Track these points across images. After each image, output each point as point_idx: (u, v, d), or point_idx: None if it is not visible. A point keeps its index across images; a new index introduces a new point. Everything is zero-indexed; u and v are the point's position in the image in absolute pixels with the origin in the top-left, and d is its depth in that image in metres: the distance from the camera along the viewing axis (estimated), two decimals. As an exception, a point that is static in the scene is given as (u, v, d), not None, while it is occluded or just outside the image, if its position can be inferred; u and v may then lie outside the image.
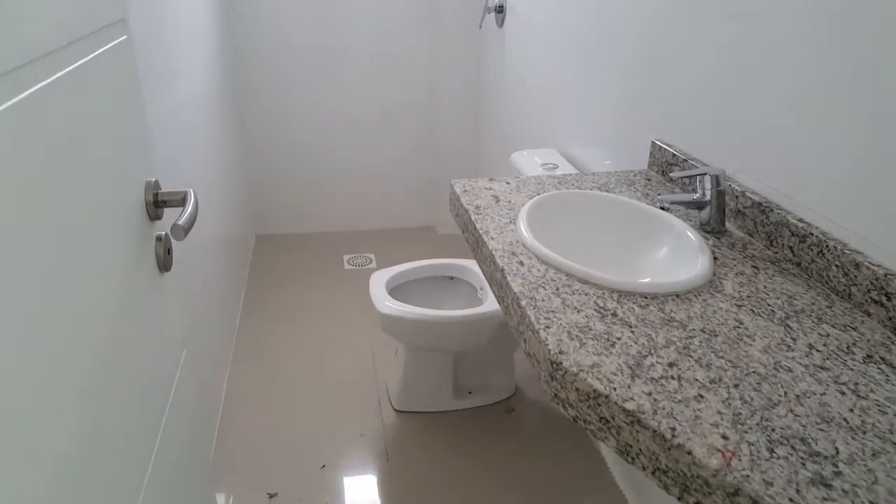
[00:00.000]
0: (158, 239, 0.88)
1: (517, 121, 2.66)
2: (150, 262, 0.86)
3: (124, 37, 0.80)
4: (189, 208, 0.84)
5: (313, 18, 3.00)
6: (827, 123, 1.03)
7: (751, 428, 0.70)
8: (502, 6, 2.72)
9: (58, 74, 0.60)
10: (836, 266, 0.99)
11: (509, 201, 1.38)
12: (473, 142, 3.30)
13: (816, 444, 0.68)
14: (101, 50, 0.72)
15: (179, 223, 0.80)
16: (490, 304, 1.98)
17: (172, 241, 0.89)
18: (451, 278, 2.23)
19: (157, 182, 0.88)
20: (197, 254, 1.88)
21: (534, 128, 2.46)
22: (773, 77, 1.15)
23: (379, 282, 2.06)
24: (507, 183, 1.49)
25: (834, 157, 1.02)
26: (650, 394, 0.75)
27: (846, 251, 0.97)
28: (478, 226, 1.25)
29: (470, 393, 2.13)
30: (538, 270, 1.07)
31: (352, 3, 3.00)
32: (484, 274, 1.23)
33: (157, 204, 0.87)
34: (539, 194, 1.39)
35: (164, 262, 0.89)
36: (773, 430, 0.70)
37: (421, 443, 1.97)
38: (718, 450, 0.66)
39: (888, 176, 0.91)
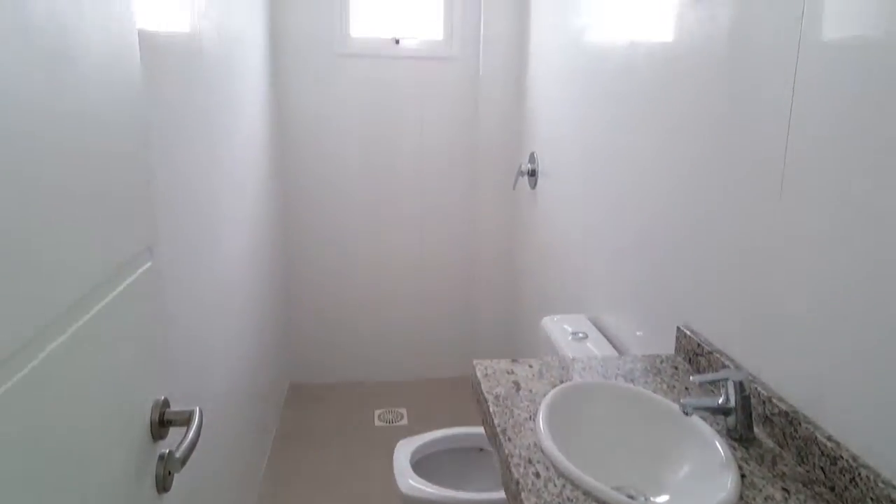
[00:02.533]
0: (160, 458, 0.88)
1: (550, 280, 2.69)
2: (149, 483, 0.85)
3: (149, 264, 0.85)
4: (191, 434, 0.85)
5: (361, 172, 3.20)
6: (855, 333, 1.00)
7: None
8: (535, 170, 2.83)
9: (83, 320, 0.63)
10: (872, 499, 0.92)
11: (531, 390, 1.35)
12: (508, 295, 3.33)
13: None
14: (125, 284, 0.76)
15: (178, 455, 0.80)
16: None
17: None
18: (481, 450, 2.16)
19: (165, 400, 0.89)
20: (219, 414, 1.88)
21: (565, 289, 2.47)
22: (799, 280, 1.14)
23: (404, 454, 2.01)
24: (530, 366, 1.47)
25: (859, 370, 0.98)
26: None
27: (880, 483, 0.91)
28: (495, 421, 1.23)
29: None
30: (555, 486, 1.03)
31: (397, 159, 3.20)
32: (501, 477, 1.19)
33: (162, 423, 0.88)
34: (562, 382, 1.37)
35: (164, 483, 0.89)
36: None
37: None
38: None
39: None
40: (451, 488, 1.86)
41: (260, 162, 2.62)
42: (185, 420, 0.89)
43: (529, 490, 1.02)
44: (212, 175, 1.85)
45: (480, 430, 2.16)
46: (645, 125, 1.73)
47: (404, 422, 3.04)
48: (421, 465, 2.05)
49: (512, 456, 1.11)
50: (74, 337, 0.62)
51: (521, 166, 2.91)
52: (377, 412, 3.12)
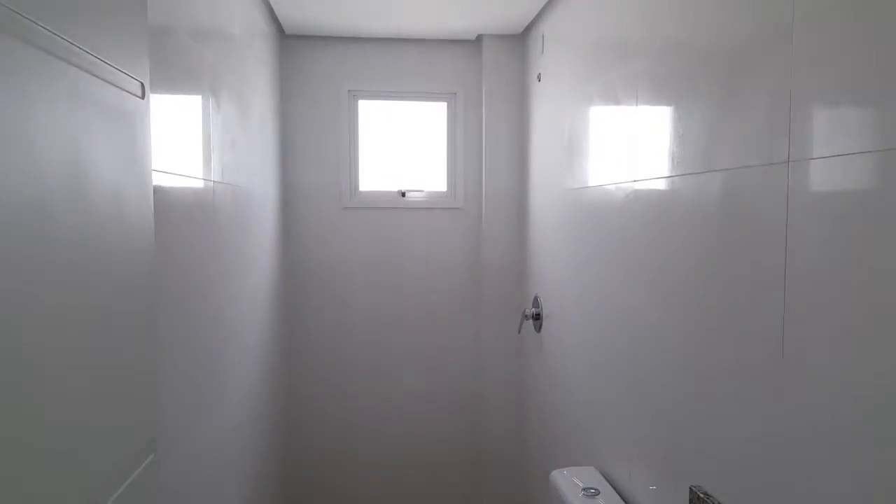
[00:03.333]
0: None
1: (558, 427, 2.64)
2: None
3: (152, 456, 0.86)
4: None
5: (368, 319, 3.25)
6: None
7: None
8: (539, 314, 2.87)
9: None
10: None
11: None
12: (517, 442, 3.27)
13: None
14: (129, 481, 0.77)
15: None
16: None
17: None
18: None
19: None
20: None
21: (574, 438, 2.42)
22: (806, 443, 1.13)
23: None
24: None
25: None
26: None
27: None
28: None
29: None
30: None
31: (403, 304, 3.27)
32: None
33: None
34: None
35: None
36: None
37: None
38: None
39: None
40: None
41: (266, 317, 2.67)
42: None
43: None
44: (217, 333, 1.89)
45: None
46: (641, 276, 1.78)
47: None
48: None
49: None
50: None
51: (525, 311, 2.95)
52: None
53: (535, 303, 2.91)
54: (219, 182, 1.88)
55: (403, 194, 3.26)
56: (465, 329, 3.30)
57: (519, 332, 3.08)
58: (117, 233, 0.75)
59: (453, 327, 3.30)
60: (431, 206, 3.28)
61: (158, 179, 1.27)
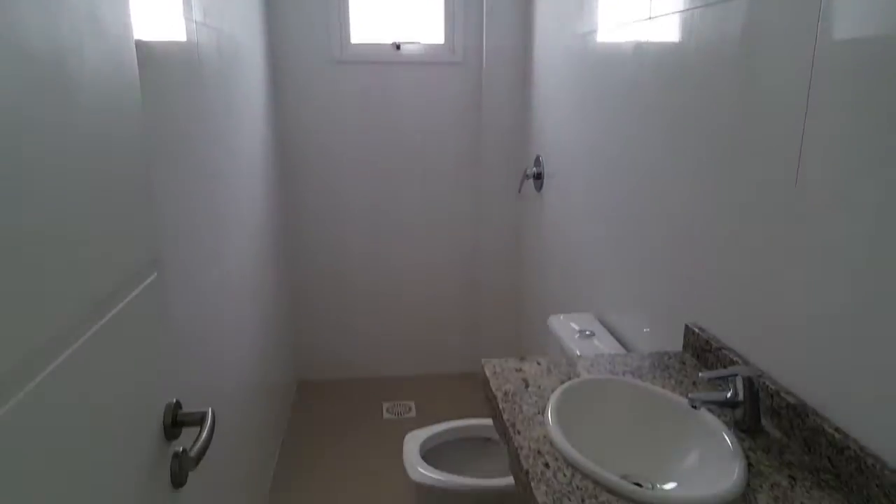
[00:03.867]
0: (175, 456, 0.91)
1: (555, 280, 2.71)
2: (164, 480, 0.88)
3: (154, 275, 0.87)
4: (204, 434, 0.87)
5: (364, 175, 3.21)
6: (867, 329, 1.02)
7: None
8: (540, 174, 2.85)
9: (91, 332, 0.66)
10: (877, 486, 0.94)
11: (539, 386, 1.38)
12: (514, 295, 3.36)
13: None
14: (131, 296, 0.79)
15: (191, 455, 0.83)
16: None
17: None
18: (488, 440, 2.19)
19: (177, 402, 0.92)
20: (227, 410, 1.90)
21: (571, 289, 2.49)
22: (812, 275, 1.16)
23: (413, 444, 2.04)
24: (538, 364, 1.49)
25: (868, 365, 1.00)
26: None
27: (886, 471, 0.93)
28: (505, 416, 1.25)
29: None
30: (564, 475, 1.05)
31: (401, 161, 3.22)
32: (510, 469, 1.21)
33: (175, 424, 0.90)
34: (570, 379, 1.39)
35: (179, 478, 0.91)
36: None
37: None
38: None
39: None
40: (459, 475, 1.89)
41: (261, 168, 2.64)
42: (198, 421, 0.92)
43: (539, 480, 1.04)
44: (214, 181, 1.87)
45: (487, 421, 2.19)
46: (653, 121, 1.75)
47: (412, 414, 3.07)
48: (430, 454, 2.08)
49: (521, 448, 1.14)
50: (84, 349, 0.65)
51: (526, 170, 2.93)
52: (385, 405, 3.16)
53: (537, 162, 2.89)
54: (202, 24, 1.79)
55: (398, 47, 3.10)
56: (464, 190, 3.29)
57: (519, 192, 3.08)
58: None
59: (452, 188, 3.28)
60: (428, 62, 3.15)
61: (140, 32, 1.22)
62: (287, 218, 3.17)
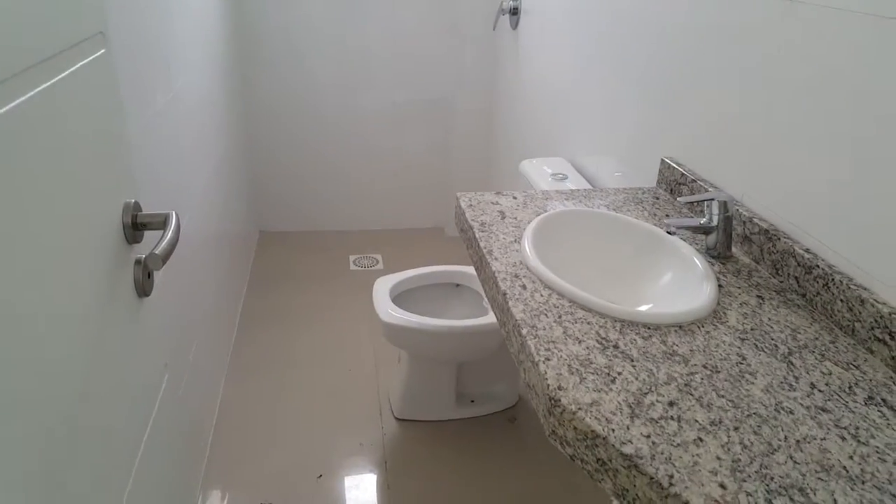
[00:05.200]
0: (137, 263, 0.87)
1: (528, 125, 2.65)
2: (128, 287, 0.84)
3: (102, 50, 0.79)
4: (169, 234, 0.83)
5: (327, 15, 2.99)
6: (833, 158, 1.01)
7: (749, 476, 0.69)
8: (517, 8, 2.71)
9: (30, 94, 0.59)
10: (842, 301, 0.98)
11: (515, 218, 1.37)
12: (485, 144, 3.30)
13: (815, 494, 0.67)
14: (77, 66, 0.71)
15: (157, 252, 0.79)
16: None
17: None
18: (457, 286, 2.22)
19: (136, 203, 0.86)
20: (191, 260, 1.87)
21: (544, 134, 2.45)
22: (786, 110, 1.13)
23: (383, 288, 2.06)
24: (514, 198, 1.48)
25: (840, 191, 1.00)
26: (649, 436, 0.75)
27: (851, 286, 0.96)
28: (482, 244, 1.25)
29: (472, 402, 2.13)
30: (541, 296, 1.06)
31: (367, 4, 2.99)
32: (486, 295, 1.23)
33: (136, 226, 0.85)
34: (546, 211, 1.38)
35: (144, 286, 0.88)
36: (771, 478, 0.69)
37: (421, 452, 1.97)
38: (716, 500, 0.66)
39: (889, 212, 0.90)
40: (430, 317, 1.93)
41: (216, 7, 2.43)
42: (161, 223, 0.86)
43: (517, 299, 1.05)
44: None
45: (457, 267, 2.21)
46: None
47: (380, 266, 3.10)
48: (400, 299, 2.11)
49: (499, 272, 1.14)
50: (23, 110, 0.58)
51: (501, 3, 2.77)
52: (352, 258, 3.17)
53: (512, -5, 2.73)
54: None
55: None
56: (435, 28, 3.11)
57: (494, 28, 2.94)
58: None
59: (422, 25, 3.09)
60: None
61: None
62: (244, 56, 2.98)
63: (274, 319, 2.63)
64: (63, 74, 0.67)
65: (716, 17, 1.33)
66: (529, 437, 2.05)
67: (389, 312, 1.93)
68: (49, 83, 0.63)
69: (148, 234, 0.89)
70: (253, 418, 2.09)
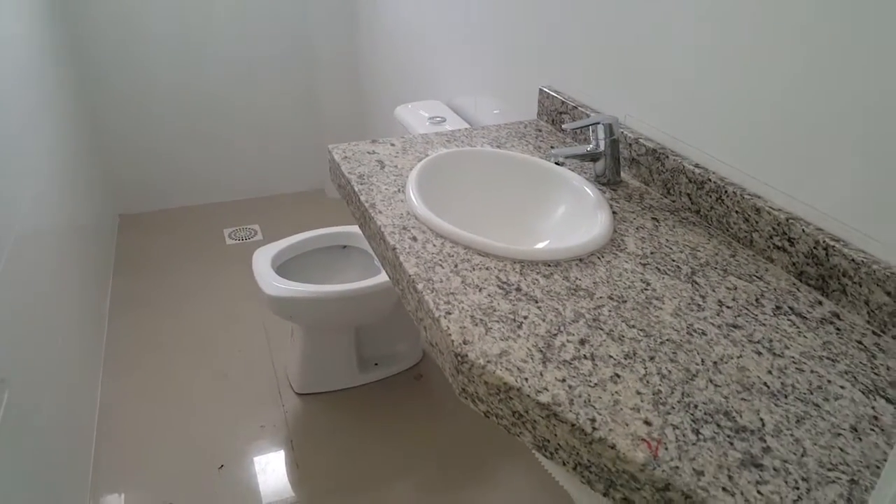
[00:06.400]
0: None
1: (398, 71, 2.53)
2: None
3: None
4: None
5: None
6: (712, 63, 0.98)
7: (673, 408, 0.65)
8: (370, -51, 2.54)
9: None
10: (737, 212, 0.96)
11: (396, 166, 1.27)
12: (356, 96, 3.13)
13: (741, 416, 0.63)
14: None
15: None
16: (387, 272, 1.88)
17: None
18: (344, 247, 2.10)
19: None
20: (37, 256, 1.64)
21: (416, 78, 2.34)
22: (658, 19, 1.09)
23: (264, 259, 1.90)
24: (392, 144, 1.37)
25: (722, 97, 0.98)
26: (564, 380, 0.69)
27: (745, 196, 0.94)
28: (362, 198, 1.14)
29: (376, 364, 2.04)
30: (433, 246, 0.98)
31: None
32: (375, 252, 1.13)
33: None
34: (427, 156, 1.29)
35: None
36: (695, 406, 0.65)
37: (328, 425, 1.87)
38: (643, 439, 0.61)
39: (777, 117, 0.88)
40: (318, 285, 1.81)
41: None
42: None
43: (408, 252, 0.96)
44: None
45: (342, 228, 2.09)
46: None
47: (259, 237, 2.90)
48: (284, 268, 1.96)
49: (385, 227, 1.04)
50: None
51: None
52: (227, 231, 2.95)
53: (365, -63, 2.56)
54: None
55: None
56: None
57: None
58: None
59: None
60: None
61: None
62: (70, 20, 2.64)
63: (148, 306, 2.40)
64: None
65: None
66: (437, 391, 2.00)
67: (274, 285, 1.79)
68: None
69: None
70: (139, 414, 1.90)
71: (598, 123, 1.13)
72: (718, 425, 0.62)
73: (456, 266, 0.92)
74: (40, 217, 1.70)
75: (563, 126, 1.18)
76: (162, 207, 3.13)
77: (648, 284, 0.86)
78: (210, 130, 3.05)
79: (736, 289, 0.85)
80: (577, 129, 1.21)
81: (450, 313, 0.80)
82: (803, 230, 0.85)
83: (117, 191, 3.01)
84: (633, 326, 0.78)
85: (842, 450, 0.60)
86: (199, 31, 2.83)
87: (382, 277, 1.85)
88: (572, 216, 1.10)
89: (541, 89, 1.47)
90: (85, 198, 2.37)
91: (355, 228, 2.08)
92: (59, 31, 2.42)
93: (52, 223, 1.82)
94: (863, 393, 0.67)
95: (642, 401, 0.66)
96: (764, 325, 0.77)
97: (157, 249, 2.79)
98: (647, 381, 0.68)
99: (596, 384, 0.68)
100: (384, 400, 1.96)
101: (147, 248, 2.81)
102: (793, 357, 0.72)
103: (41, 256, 1.63)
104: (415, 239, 1.00)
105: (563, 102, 1.38)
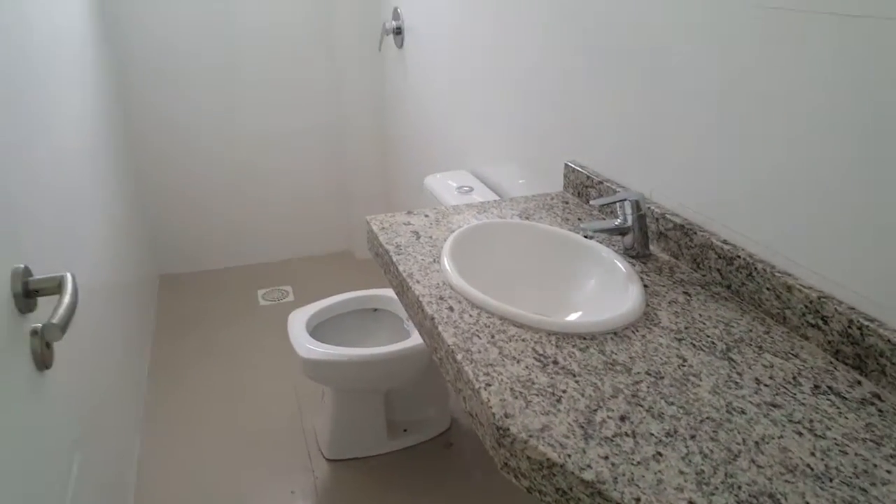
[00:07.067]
0: (34, 333, 0.76)
1: (425, 141, 2.61)
2: (25, 362, 0.73)
3: None
4: (66, 299, 0.72)
5: (203, 45, 2.84)
6: (735, 142, 1.02)
7: (717, 488, 0.66)
8: (400, 28, 2.67)
9: None
10: (768, 289, 0.98)
11: (430, 236, 1.31)
12: (384, 161, 3.23)
13: (786, 499, 0.64)
14: None
15: (54, 321, 0.68)
16: (418, 336, 1.90)
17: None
18: (375, 310, 2.14)
19: (26, 269, 0.75)
20: (90, 316, 1.70)
21: (444, 149, 2.41)
22: (681, 100, 1.13)
23: (298, 322, 1.94)
24: (426, 216, 1.42)
25: (746, 175, 1.01)
26: (607, 457, 0.70)
27: (776, 273, 0.96)
28: (400, 268, 1.18)
29: (405, 430, 2.04)
30: (470, 316, 1.00)
31: (243, 26, 2.87)
32: (412, 321, 1.16)
33: (28, 294, 0.74)
34: (460, 227, 1.33)
35: (44, 358, 0.76)
36: (739, 487, 0.66)
37: (358, 493, 1.87)
38: (688, 520, 0.62)
39: (805, 195, 0.91)
40: (350, 347, 1.83)
41: (86, 38, 2.24)
42: (56, 287, 0.76)
43: (446, 323, 0.99)
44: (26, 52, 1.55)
45: (372, 291, 2.13)
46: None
47: (290, 298, 2.95)
48: (317, 331, 2.00)
49: (423, 296, 1.08)
50: None
51: (385, 24, 2.73)
52: (261, 292, 3.01)
53: (396, 15, 2.69)
54: None
55: None
56: (317, 52, 3.02)
57: (379, 50, 2.88)
58: None
59: (303, 50, 2.99)
60: None
61: None
62: (123, 95, 2.78)
63: (185, 367, 2.44)
64: None
65: (604, 20, 1.32)
66: (468, 460, 1.98)
67: (308, 347, 1.82)
68: None
69: (42, 299, 0.77)
70: (175, 475, 1.91)
71: (625, 199, 1.17)
72: (762, 507, 0.63)
73: (493, 337, 0.94)
74: (90, 280, 1.76)
75: (591, 202, 1.22)
76: (200, 268, 3.21)
77: (685, 360, 0.88)
78: (246, 194, 3.16)
79: (773, 366, 0.86)
80: (606, 204, 1.24)
81: (490, 385, 0.83)
82: (836, 309, 0.86)
83: (159, 252, 3.11)
84: (673, 403, 0.79)
85: (887, 534, 0.60)
86: (240, 100, 2.97)
87: (413, 341, 1.87)
88: (604, 288, 1.12)
89: (566, 164, 1.51)
90: (131, 257, 2.45)
91: (385, 291, 2.12)
92: (115, 105, 2.55)
93: (104, 281, 1.88)
94: (905, 475, 0.67)
95: (686, 480, 0.67)
96: (803, 404, 0.78)
97: (194, 310, 2.86)
98: (690, 461, 0.69)
99: (639, 462, 0.69)
100: (414, 468, 1.95)
101: (185, 308, 2.87)
102: (835, 438, 0.72)
103: (90, 321, 1.68)
104: (451, 309, 1.03)
105: (588, 177, 1.42)
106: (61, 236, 1.52)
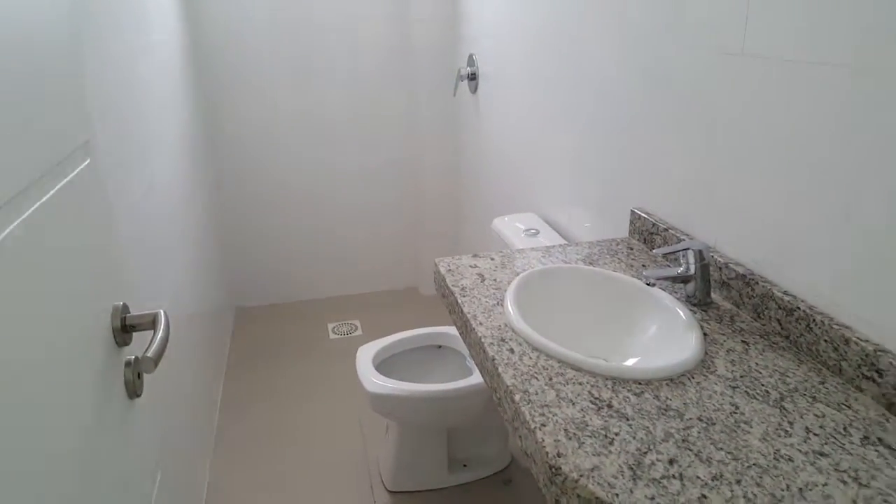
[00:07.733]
0: (127, 364, 0.86)
1: (495, 183, 2.69)
2: (118, 390, 0.83)
3: (88, 161, 0.79)
4: (159, 334, 0.82)
5: (291, 83, 3.04)
6: (810, 196, 1.05)
7: (759, 533, 0.68)
8: (475, 74, 2.78)
9: (21, 217, 0.59)
10: (825, 341, 0.99)
11: (495, 279, 1.37)
12: (454, 201, 3.33)
13: (826, 547, 0.66)
14: (64, 181, 0.71)
15: (149, 355, 0.78)
16: (479, 374, 1.96)
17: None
18: (439, 347, 2.21)
19: (125, 305, 0.86)
20: (174, 348, 1.83)
21: (512, 190, 2.49)
22: (745, 153, 1.17)
23: (366, 357, 2.03)
24: (492, 259, 1.49)
25: (812, 232, 1.03)
26: (653, 498, 0.74)
27: (834, 326, 0.98)
28: (465, 309, 1.25)
29: (465, 466, 2.09)
30: (529, 358, 1.06)
31: (327, 68, 3.06)
32: (474, 360, 1.22)
33: (125, 329, 0.85)
34: (525, 270, 1.39)
35: (135, 387, 0.86)
36: (781, 533, 0.68)
37: (418, 524, 1.92)
38: (729, 561, 0.65)
39: (865, 250, 0.93)
40: (414, 383, 1.90)
41: (178, 78, 2.46)
42: (150, 323, 0.86)
43: (506, 364, 1.05)
44: (136, 83, 1.73)
45: (437, 328, 2.20)
46: (589, 8, 1.71)
47: (359, 332, 3.06)
48: (383, 366, 2.08)
49: (485, 338, 1.14)
50: (14, 236, 0.57)
51: (459, 71, 2.85)
52: (331, 326, 3.13)
53: (471, 61, 2.81)
54: None
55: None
56: (395, 95, 3.18)
57: (454, 95, 3.01)
58: None
59: (382, 92, 3.16)
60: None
61: None
62: (210, 130, 3.00)
63: (256, 398, 2.57)
64: (51, 193, 0.66)
65: (671, 70, 1.38)
66: (526, 498, 2.01)
67: (374, 381, 1.90)
68: (38, 204, 0.63)
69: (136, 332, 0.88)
70: (242, 499, 2.01)
71: (689, 249, 1.21)
72: (804, 553, 0.66)
73: (550, 379, 0.99)
74: (176, 312, 1.91)
75: (654, 251, 1.26)
76: (273, 301, 3.38)
77: (737, 408, 0.91)
78: (319, 228, 3.32)
79: (824, 416, 0.88)
80: (670, 253, 1.28)
81: (544, 425, 0.88)
82: (891, 362, 0.88)
83: (235, 284, 3.29)
84: (721, 449, 0.82)
85: (930, 588, 0.61)
86: (317, 138, 3.15)
87: (475, 378, 1.93)
88: (664, 336, 1.16)
89: (632, 210, 1.56)
90: (210, 289, 2.61)
91: (449, 329, 2.19)
92: (199, 140, 2.76)
93: (184, 318, 2.03)
94: (955, 532, 0.68)
95: (728, 523, 0.70)
96: (851, 454, 0.80)
97: (266, 341, 3.00)
98: (734, 504, 0.72)
99: (684, 503, 0.73)
100: (472, 503, 1.99)
101: (258, 339, 3.03)
102: (879, 488, 0.74)
103: (173, 352, 1.82)
104: (512, 351, 1.09)
105: (654, 224, 1.46)
106: (154, 271, 1.67)
